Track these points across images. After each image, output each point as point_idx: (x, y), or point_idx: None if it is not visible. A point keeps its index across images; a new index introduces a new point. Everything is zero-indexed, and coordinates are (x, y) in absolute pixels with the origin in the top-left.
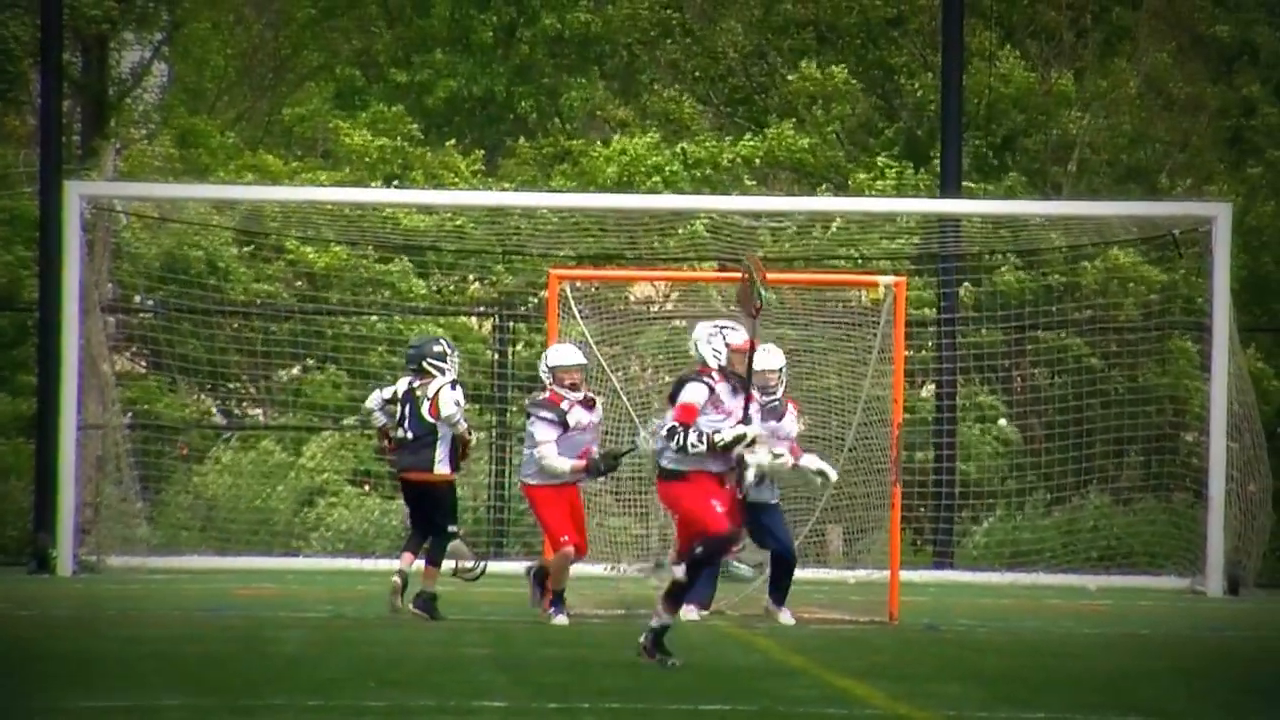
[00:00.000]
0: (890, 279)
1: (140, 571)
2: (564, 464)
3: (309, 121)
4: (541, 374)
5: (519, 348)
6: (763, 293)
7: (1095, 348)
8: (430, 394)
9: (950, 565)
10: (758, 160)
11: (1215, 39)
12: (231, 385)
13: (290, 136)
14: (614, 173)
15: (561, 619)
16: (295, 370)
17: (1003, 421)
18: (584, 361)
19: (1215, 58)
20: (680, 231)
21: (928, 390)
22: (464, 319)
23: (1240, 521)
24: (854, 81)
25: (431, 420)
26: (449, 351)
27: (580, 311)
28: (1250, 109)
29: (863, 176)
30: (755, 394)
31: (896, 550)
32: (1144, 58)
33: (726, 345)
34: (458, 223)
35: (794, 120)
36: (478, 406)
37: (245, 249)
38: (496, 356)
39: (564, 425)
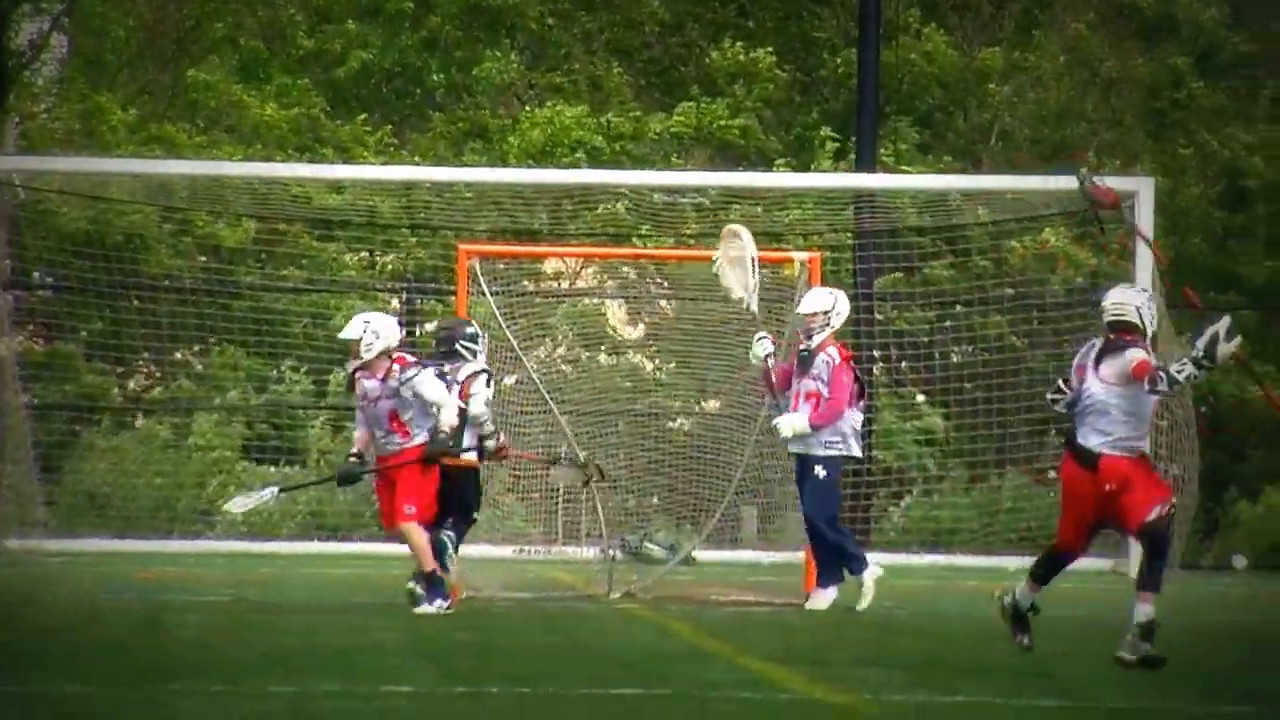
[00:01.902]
0: (804, 255)
1: (38, 554)
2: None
3: (212, 92)
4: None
5: (430, 326)
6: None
7: (1017, 327)
8: (461, 379)
9: (867, 546)
10: (687, 136)
11: (1136, 9)
12: (134, 363)
13: (195, 110)
14: (538, 139)
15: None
16: (196, 349)
17: (921, 398)
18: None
19: (1137, 30)
20: (600, 210)
21: None
22: (376, 295)
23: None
24: (781, 71)
25: (462, 404)
26: (480, 334)
27: (490, 287)
28: (1177, 81)
29: (779, 162)
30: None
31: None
32: (1063, 29)
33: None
34: (368, 198)
35: (721, 98)
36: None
37: (163, 226)
38: (404, 333)
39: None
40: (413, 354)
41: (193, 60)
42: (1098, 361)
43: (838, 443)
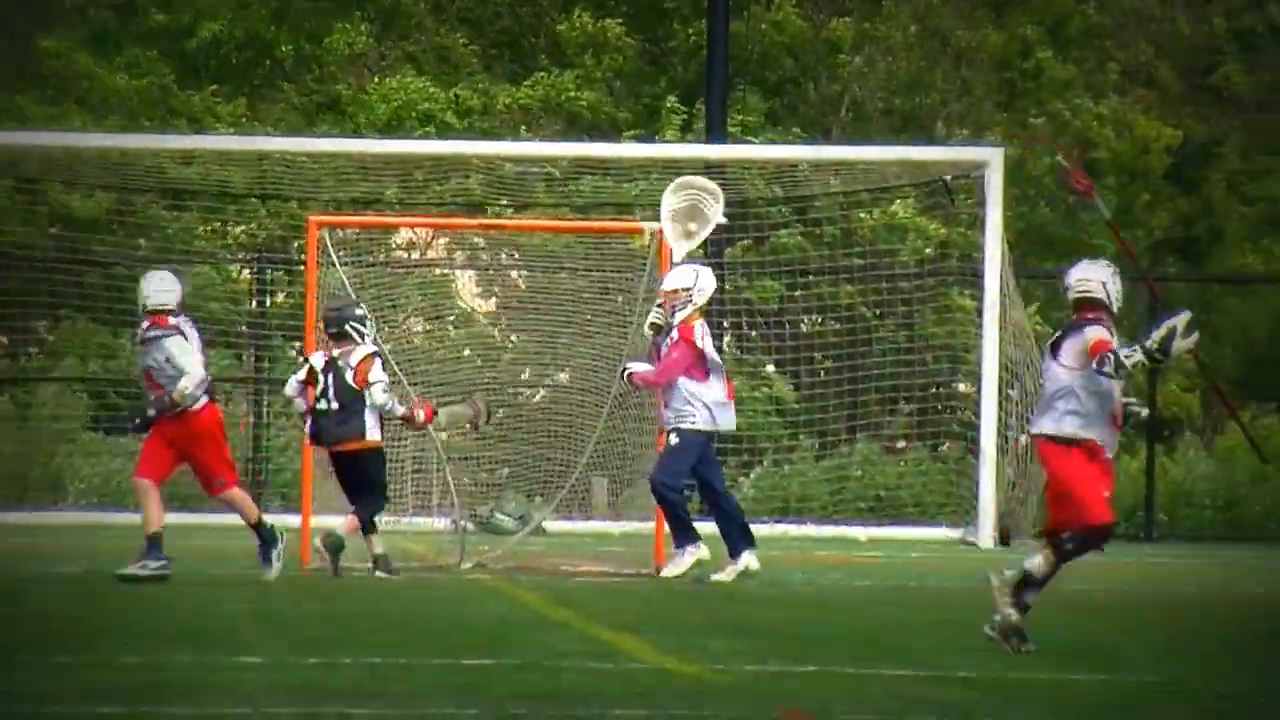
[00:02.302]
0: (654, 225)
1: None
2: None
3: (61, 60)
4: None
5: (280, 297)
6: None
7: (867, 297)
8: (354, 362)
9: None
10: (536, 108)
11: None
12: None
13: (45, 81)
14: (384, 113)
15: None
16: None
17: (770, 368)
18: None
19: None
20: (451, 183)
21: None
22: (226, 266)
23: (1014, 472)
24: (631, 41)
25: (357, 387)
26: (368, 316)
27: (340, 258)
28: (1026, 52)
29: (628, 133)
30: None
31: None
32: None
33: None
34: (220, 169)
35: (571, 70)
36: (235, 352)
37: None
38: (255, 304)
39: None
40: (174, 317)
41: (41, 30)
42: (1057, 344)
43: (689, 414)
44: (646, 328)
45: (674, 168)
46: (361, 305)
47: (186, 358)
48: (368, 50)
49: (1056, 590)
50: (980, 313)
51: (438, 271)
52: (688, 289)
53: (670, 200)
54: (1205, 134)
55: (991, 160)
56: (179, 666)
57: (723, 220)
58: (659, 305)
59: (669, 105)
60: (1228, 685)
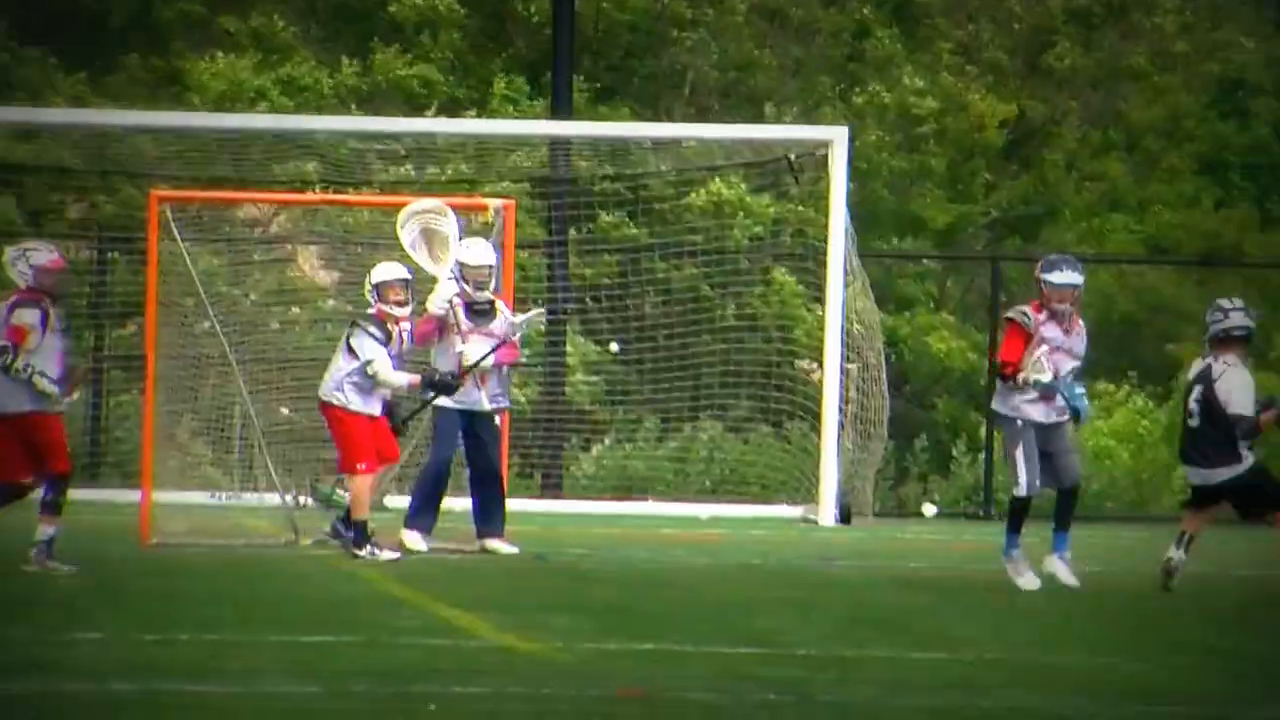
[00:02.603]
0: (499, 202)
1: None
2: (400, 378)
3: None
4: (367, 292)
5: (119, 272)
6: None
7: (707, 277)
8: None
9: (560, 494)
10: (364, 88)
11: None
12: None
13: None
14: (216, 93)
15: (389, 553)
16: None
17: (614, 346)
18: (409, 276)
19: None
20: (290, 165)
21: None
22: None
23: (855, 449)
24: (468, 18)
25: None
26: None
27: (182, 234)
28: (864, 32)
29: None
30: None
31: (504, 478)
32: None
33: None
34: (58, 150)
35: (400, 47)
36: (78, 331)
37: None
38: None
39: (387, 343)
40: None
41: None
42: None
43: (499, 396)
44: (440, 303)
45: (520, 145)
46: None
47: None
48: (201, 23)
49: (894, 568)
50: (821, 290)
51: (280, 248)
52: (491, 265)
53: (404, 236)
54: (1042, 112)
55: (836, 139)
56: (17, 642)
57: (456, 228)
58: (464, 280)
59: (509, 83)
60: (1063, 661)
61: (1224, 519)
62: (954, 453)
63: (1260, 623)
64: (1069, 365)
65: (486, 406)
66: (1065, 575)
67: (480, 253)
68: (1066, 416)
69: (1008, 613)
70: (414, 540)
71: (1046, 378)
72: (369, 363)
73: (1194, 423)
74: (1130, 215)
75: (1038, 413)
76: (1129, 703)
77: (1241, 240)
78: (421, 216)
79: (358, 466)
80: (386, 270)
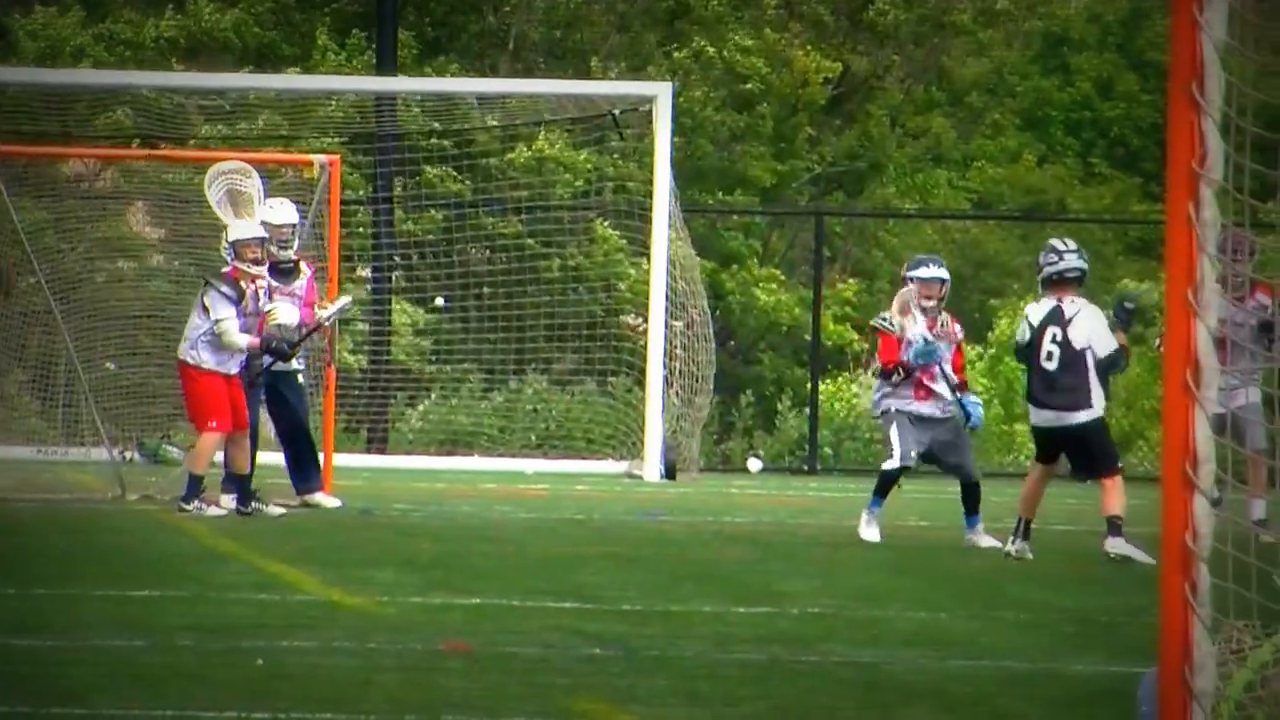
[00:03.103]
0: (324, 158)
1: None
2: (242, 340)
3: None
4: (223, 250)
5: None
6: None
7: (532, 233)
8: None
9: (385, 449)
10: (182, 41)
11: None
12: None
13: None
14: (33, 50)
15: (215, 509)
16: None
17: (440, 300)
18: (265, 235)
19: None
20: (110, 117)
21: (364, 272)
22: None
23: (681, 404)
24: None
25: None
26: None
27: (7, 190)
28: None
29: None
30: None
31: (330, 434)
32: None
33: None
34: None
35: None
36: None
37: None
38: None
39: (240, 302)
40: None
41: None
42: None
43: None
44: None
45: (345, 100)
46: None
47: None
48: None
49: (719, 523)
50: (644, 247)
51: (107, 203)
52: (294, 225)
53: (210, 194)
54: (865, 68)
55: (659, 96)
56: None
57: (259, 189)
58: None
59: (324, 38)
60: (888, 616)
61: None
62: (779, 407)
63: (1083, 579)
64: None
65: (293, 365)
66: (985, 540)
67: (284, 212)
68: (950, 414)
69: (833, 567)
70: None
71: (917, 330)
72: (217, 321)
73: (1051, 365)
74: (954, 170)
75: (922, 408)
76: (954, 657)
77: (1064, 195)
78: (227, 177)
79: (209, 424)
80: (242, 229)
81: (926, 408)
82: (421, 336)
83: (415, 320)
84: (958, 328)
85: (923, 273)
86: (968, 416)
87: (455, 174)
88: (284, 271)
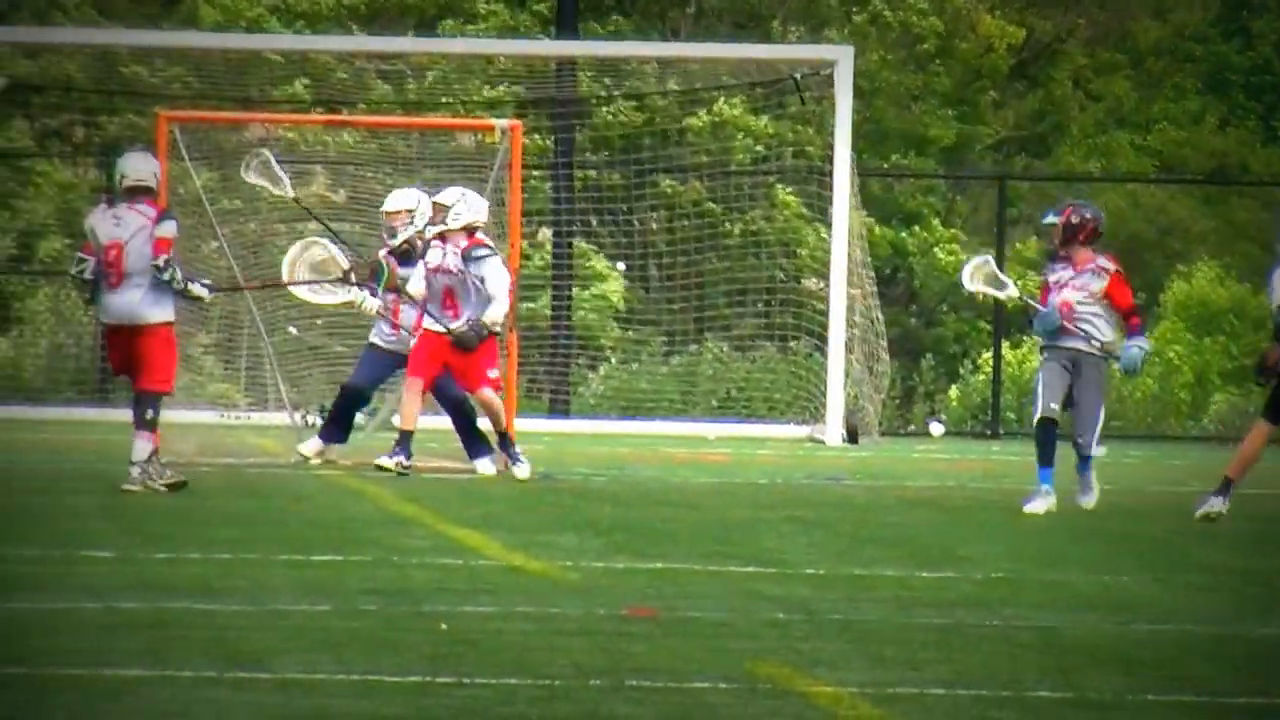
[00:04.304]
0: (506, 122)
1: None
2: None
3: None
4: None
5: None
6: None
7: (712, 196)
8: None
9: (566, 414)
10: (362, 9)
11: None
12: None
13: None
14: (213, 21)
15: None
16: None
17: (621, 265)
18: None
19: None
20: (288, 89)
21: (544, 235)
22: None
23: (861, 368)
24: None
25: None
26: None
27: (191, 155)
28: None
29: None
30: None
31: (512, 398)
32: None
33: None
34: (63, 65)
35: None
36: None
37: None
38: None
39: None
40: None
41: None
42: None
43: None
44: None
45: (511, 65)
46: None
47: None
48: None
49: (901, 487)
50: (822, 212)
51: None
52: (410, 210)
53: (303, 292)
54: (1049, 31)
55: (840, 60)
56: (26, 560)
57: (331, 246)
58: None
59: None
60: (1071, 580)
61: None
62: (961, 371)
63: (1268, 540)
64: (1077, 298)
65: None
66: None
67: (395, 199)
68: (1099, 353)
69: (1015, 531)
70: (310, 448)
71: (1007, 292)
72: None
73: None
74: (1135, 133)
75: (1065, 341)
76: (1136, 621)
77: (1246, 158)
78: (300, 262)
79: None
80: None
81: (1065, 340)
82: (602, 300)
83: (597, 284)
84: (1100, 260)
85: (1047, 220)
86: (1121, 360)
87: (635, 138)
88: (401, 255)
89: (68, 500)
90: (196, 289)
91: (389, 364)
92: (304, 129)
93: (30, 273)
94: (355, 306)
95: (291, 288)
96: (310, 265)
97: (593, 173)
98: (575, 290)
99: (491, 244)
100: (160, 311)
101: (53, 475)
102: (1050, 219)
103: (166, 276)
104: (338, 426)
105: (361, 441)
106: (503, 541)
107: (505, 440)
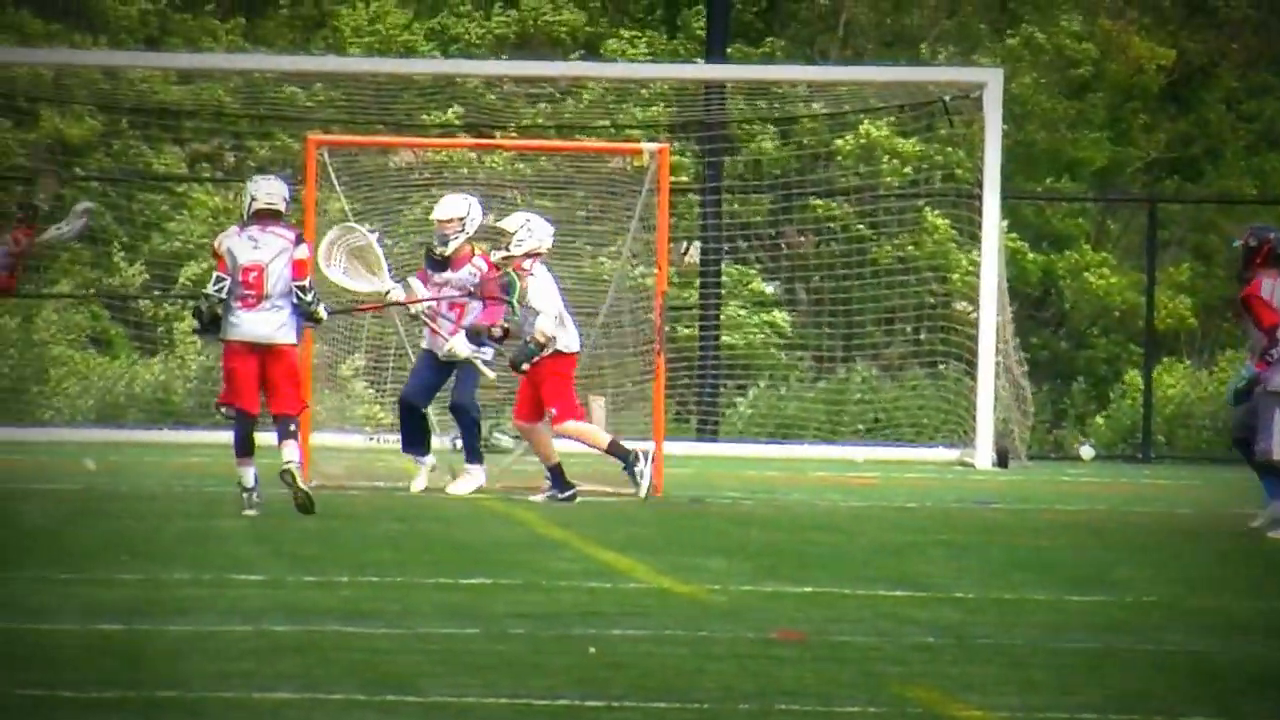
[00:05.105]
0: (654, 145)
1: None
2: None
3: None
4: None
5: None
6: None
7: (862, 217)
8: None
9: (714, 437)
10: (511, 37)
11: None
12: None
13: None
14: (364, 47)
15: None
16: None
17: (769, 288)
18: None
19: None
20: (441, 115)
21: (692, 256)
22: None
23: (1009, 392)
24: None
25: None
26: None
27: (339, 180)
28: None
29: (612, 44)
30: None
31: (660, 421)
32: None
33: None
34: (214, 90)
35: None
36: None
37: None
38: None
39: None
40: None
41: None
42: None
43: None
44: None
45: (662, 89)
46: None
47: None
48: None
49: (1051, 511)
50: (972, 235)
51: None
52: (461, 218)
53: (332, 272)
54: (1201, 54)
55: (990, 82)
56: (177, 584)
57: (370, 235)
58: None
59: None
60: (1226, 605)
61: None
62: (1112, 394)
63: None
64: None
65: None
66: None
67: (446, 206)
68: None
69: (1167, 555)
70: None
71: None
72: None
73: None
74: None
75: None
76: None
77: None
78: (339, 244)
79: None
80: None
81: None
82: (751, 323)
83: (745, 306)
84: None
85: None
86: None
87: (782, 159)
88: (435, 265)
89: (217, 524)
90: (322, 311)
91: (446, 372)
92: (452, 151)
93: (178, 296)
94: (382, 297)
95: (325, 269)
96: (349, 250)
97: (741, 196)
98: (732, 312)
99: (534, 268)
100: (293, 334)
101: (202, 499)
102: (1236, 243)
103: (310, 298)
104: (415, 440)
105: (509, 465)
106: (651, 565)
107: (620, 454)
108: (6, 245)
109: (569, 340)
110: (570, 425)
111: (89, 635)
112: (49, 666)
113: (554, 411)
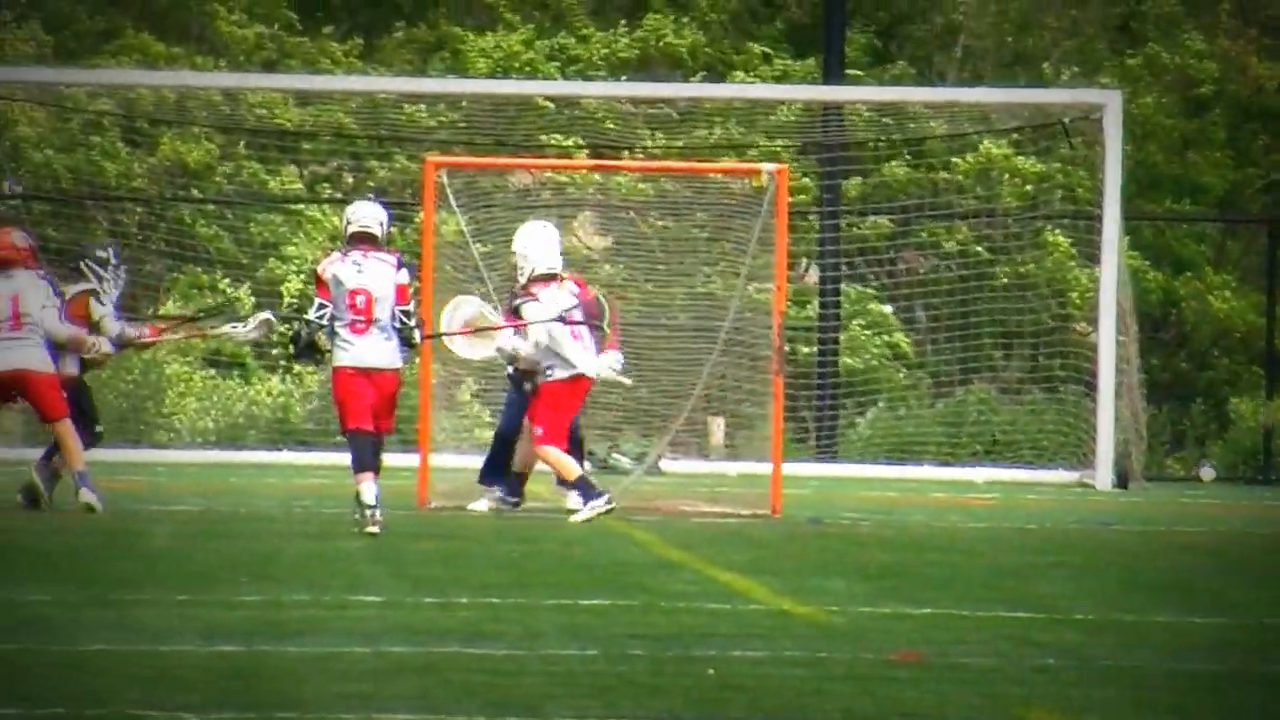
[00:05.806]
0: (773, 166)
1: (7, 464)
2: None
3: (183, 5)
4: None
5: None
6: None
7: (979, 238)
8: (70, 295)
9: (833, 458)
10: (633, 57)
11: None
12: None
13: (163, 22)
14: (486, 68)
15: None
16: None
17: (888, 308)
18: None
19: None
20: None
21: (811, 277)
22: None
23: (1128, 413)
24: None
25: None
26: (114, 261)
27: (457, 202)
28: None
29: (740, 74)
30: None
31: (779, 442)
32: None
33: None
34: (333, 112)
35: (671, 13)
36: None
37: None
38: None
39: None
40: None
41: None
42: None
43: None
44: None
45: (787, 112)
46: (110, 249)
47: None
48: None
49: (1172, 533)
50: (1092, 256)
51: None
52: (522, 254)
53: (461, 344)
54: None
55: (1109, 104)
56: (297, 605)
57: (474, 300)
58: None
59: (775, 54)
60: None
61: None
62: (1233, 416)
63: None
64: None
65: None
66: None
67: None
68: None
69: None
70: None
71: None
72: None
73: None
74: None
75: None
76: None
77: None
78: (453, 323)
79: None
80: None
81: None
82: (871, 347)
83: (868, 328)
84: None
85: None
86: None
87: (902, 179)
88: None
89: (336, 545)
90: (418, 336)
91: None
92: (573, 173)
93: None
94: (514, 354)
95: (446, 340)
96: (465, 323)
97: (860, 218)
98: (855, 333)
99: (536, 293)
100: (400, 359)
101: (321, 521)
102: None
103: (414, 323)
104: (497, 471)
105: (629, 485)
106: (770, 586)
107: (585, 487)
108: (137, 332)
109: (578, 366)
110: (551, 451)
111: (209, 657)
112: (170, 688)
113: (539, 431)
